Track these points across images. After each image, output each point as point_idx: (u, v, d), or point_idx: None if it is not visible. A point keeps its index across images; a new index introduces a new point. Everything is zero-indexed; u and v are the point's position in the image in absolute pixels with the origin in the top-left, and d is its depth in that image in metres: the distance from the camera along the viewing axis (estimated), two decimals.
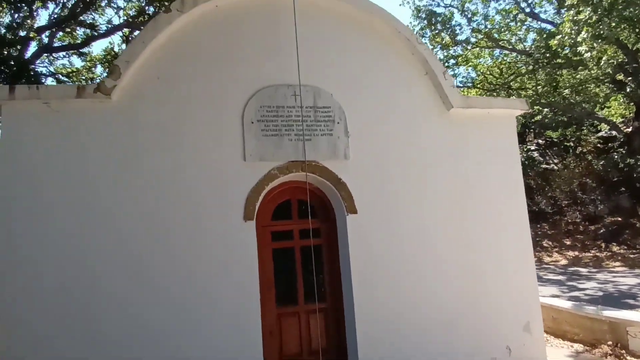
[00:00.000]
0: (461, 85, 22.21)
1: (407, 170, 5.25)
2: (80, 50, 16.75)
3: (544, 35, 16.86)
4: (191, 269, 4.45)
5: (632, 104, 18.98)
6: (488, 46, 21.09)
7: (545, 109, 18.88)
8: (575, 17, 13.38)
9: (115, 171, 4.42)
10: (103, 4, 15.46)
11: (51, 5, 14.09)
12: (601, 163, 18.65)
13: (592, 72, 16.06)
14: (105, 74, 17.43)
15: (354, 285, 4.85)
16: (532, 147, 23.92)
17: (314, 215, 5.07)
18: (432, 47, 19.64)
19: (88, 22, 15.71)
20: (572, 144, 22.64)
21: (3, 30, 12.13)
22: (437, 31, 19.59)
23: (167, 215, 4.48)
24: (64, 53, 16.64)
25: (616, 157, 18.15)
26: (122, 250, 4.33)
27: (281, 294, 4.98)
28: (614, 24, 13.05)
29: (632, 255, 15.06)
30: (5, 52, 11.70)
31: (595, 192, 19.04)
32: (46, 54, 15.72)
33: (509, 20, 20.13)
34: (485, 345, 5.22)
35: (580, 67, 16.20)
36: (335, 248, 5.11)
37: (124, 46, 16.87)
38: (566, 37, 14.02)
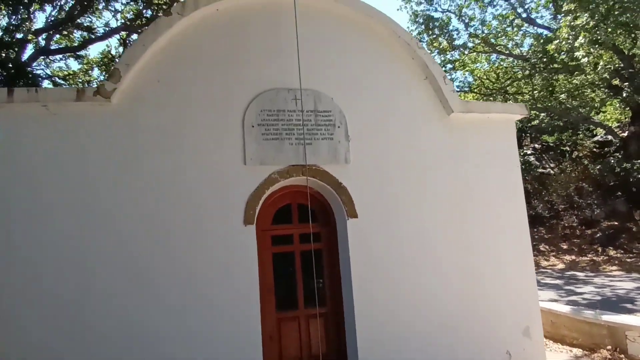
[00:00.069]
0: (458, 89, 22.26)
1: (408, 175, 5.25)
2: (77, 53, 16.71)
3: (541, 41, 16.95)
4: (191, 273, 4.43)
5: (628, 108, 19.09)
6: (485, 51, 21.18)
7: (542, 114, 18.97)
8: (572, 23, 13.46)
9: (114, 174, 4.40)
10: (100, 6, 15.42)
11: (48, 8, 14.05)
12: (597, 167, 18.73)
13: (589, 77, 16.15)
14: (102, 77, 17.44)
15: (354, 290, 4.84)
16: (529, 152, 24.00)
17: (314, 219, 5.06)
18: (429, 51, 19.69)
19: (85, 24, 15.67)
20: (568, 149, 22.74)
21: (0, 33, 12.08)
22: (434, 36, 19.66)
23: (167, 220, 4.46)
24: (60, 56, 16.59)
25: (612, 161, 18.22)
26: (121, 253, 4.31)
27: (281, 299, 4.96)
28: (610, 30, 13.14)
29: (628, 260, 15.11)
30: (3, 55, 11.65)
31: (592, 196, 19.11)
32: (43, 57, 15.66)
33: (505, 26, 20.22)
34: (485, 350, 5.22)
35: (576, 72, 16.29)
36: (336, 252, 5.09)
37: (121, 49, 16.84)
38: (563, 42, 14.10)
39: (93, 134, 4.41)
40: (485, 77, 23.03)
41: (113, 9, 15.52)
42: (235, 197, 4.65)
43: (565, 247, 17.85)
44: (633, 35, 14.77)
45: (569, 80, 17.74)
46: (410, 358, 4.89)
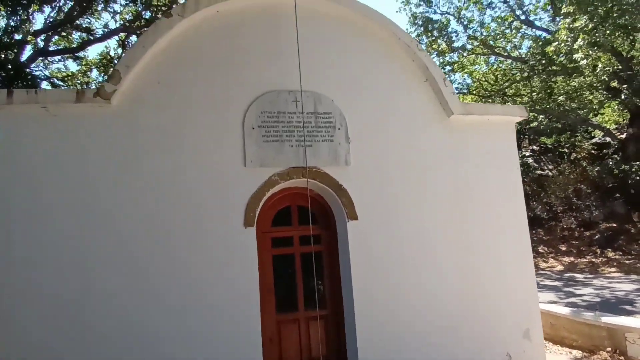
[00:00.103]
0: (457, 91, 22.26)
1: (408, 177, 5.25)
2: (76, 54, 16.71)
3: (540, 43, 16.99)
4: (191, 274, 4.42)
5: (626, 110, 19.15)
6: (484, 53, 21.22)
7: (541, 116, 19.01)
8: (571, 25, 13.50)
9: (114, 175, 4.38)
10: (99, 8, 15.41)
11: (47, 9, 14.03)
12: (596, 169, 18.76)
13: (588, 79, 16.19)
14: (100, 78, 17.42)
15: (354, 292, 4.83)
16: (527, 154, 24.05)
17: (314, 221, 5.05)
18: (428, 53, 19.71)
19: (84, 26, 15.66)
20: (566, 150, 22.79)
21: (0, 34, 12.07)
22: (433, 38, 19.68)
23: (167, 221, 4.44)
24: (59, 57, 16.58)
25: (611, 163, 18.27)
26: (121, 253, 4.30)
27: (281, 301, 4.95)
28: (608, 32, 13.19)
29: (627, 261, 15.13)
30: (2, 56, 11.63)
31: (590, 198, 19.14)
32: (41, 58, 15.65)
33: (504, 28, 20.27)
34: (485, 351, 5.21)
35: (575, 75, 16.33)
36: (336, 254, 5.09)
37: (120, 50, 16.84)
38: (562, 45, 14.14)
39: (93, 135, 4.40)
40: (484, 79, 23.09)
41: (112, 10, 15.53)
42: (235, 198, 4.64)
43: (563, 248, 17.88)
44: (631, 37, 14.82)
45: (568, 82, 17.78)
46: (410, 359, 4.88)
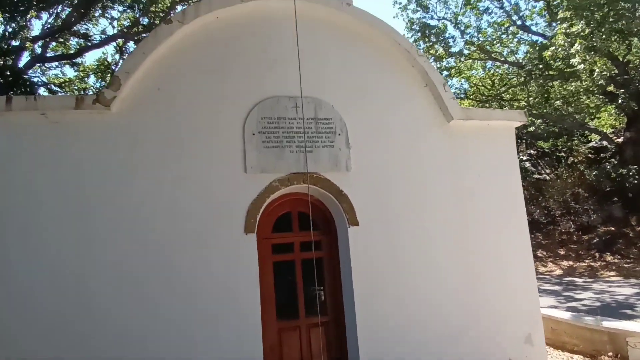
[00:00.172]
0: (454, 96, 22.39)
1: (408, 181, 5.24)
2: (73, 61, 16.71)
3: (537, 48, 17.09)
4: (191, 285, 4.36)
5: (622, 114, 19.24)
6: (481, 58, 21.33)
7: (538, 120, 19.08)
8: (568, 30, 13.58)
9: (113, 184, 4.33)
10: (97, 14, 15.44)
11: (45, 15, 14.04)
12: (594, 173, 18.82)
13: (584, 83, 16.29)
14: (98, 84, 17.41)
15: (355, 298, 4.80)
16: (524, 158, 24.13)
17: (315, 227, 5.02)
18: (428, 58, 19.80)
19: (82, 32, 15.68)
20: (564, 155, 22.87)
21: None
22: (430, 43, 19.78)
23: (167, 229, 4.40)
24: (56, 63, 16.57)
25: (608, 167, 18.33)
26: (119, 265, 4.23)
27: (282, 308, 4.91)
28: (604, 36, 13.27)
29: (626, 265, 15.14)
30: (1, 62, 11.62)
31: (588, 202, 19.18)
32: (39, 64, 15.63)
33: (500, 33, 20.40)
34: (487, 357, 5.19)
35: (571, 79, 16.42)
36: (337, 261, 5.06)
37: (117, 56, 16.87)
38: (559, 49, 14.23)
39: (92, 142, 4.36)
40: (481, 84, 23.20)
41: (109, 16, 15.57)
42: (235, 205, 4.61)
43: (562, 252, 17.89)
44: (627, 41, 14.92)
45: (564, 87, 17.88)
46: None
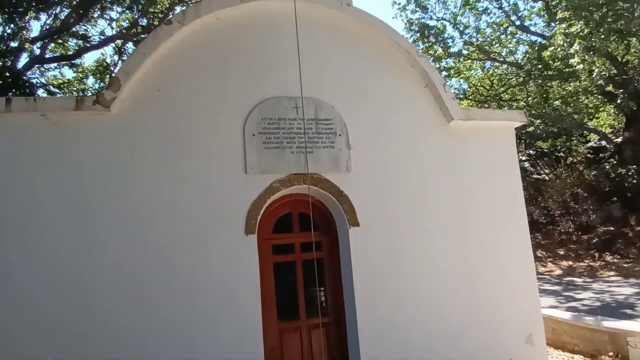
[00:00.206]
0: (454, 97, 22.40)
1: (409, 182, 5.23)
2: (72, 62, 16.69)
3: (536, 48, 17.12)
4: (191, 286, 4.35)
5: (621, 114, 19.27)
6: (479, 58, 21.37)
7: (537, 120, 19.11)
8: (567, 30, 13.60)
9: (113, 185, 4.31)
10: (96, 15, 15.44)
11: (43, 17, 14.02)
12: (593, 173, 18.85)
13: (583, 83, 16.31)
14: (96, 85, 17.40)
15: (356, 299, 4.79)
16: (523, 158, 24.14)
17: (315, 228, 5.01)
18: (428, 59, 19.83)
19: (80, 33, 15.66)
20: (562, 155, 22.90)
21: None
22: (429, 44, 19.80)
23: (167, 230, 4.38)
24: (55, 64, 16.55)
25: (607, 167, 18.36)
26: (119, 266, 4.22)
27: (282, 309, 4.90)
28: (603, 37, 13.29)
29: (625, 265, 15.16)
30: (0, 63, 11.60)
31: (587, 202, 19.20)
32: (37, 65, 15.61)
33: (499, 33, 20.44)
34: (488, 358, 5.18)
35: (571, 79, 16.44)
36: (337, 261, 5.05)
37: (116, 57, 16.86)
38: (558, 49, 14.25)
39: (92, 143, 4.34)
40: (479, 85, 23.22)
41: (108, 17, 15.57)
42: (236, 206, 4.60)
43: (562, 252, 17.90)
44: (626, 41, 14.94)
45: (563, 87, 17.91)
46: None
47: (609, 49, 14.87)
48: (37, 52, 15.03)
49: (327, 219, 5.18)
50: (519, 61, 19.60)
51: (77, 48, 16.22)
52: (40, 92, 14.93)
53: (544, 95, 18.88)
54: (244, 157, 4.67)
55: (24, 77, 12.81)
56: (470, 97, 22.72)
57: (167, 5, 15.07)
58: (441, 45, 19.86)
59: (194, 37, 4.75)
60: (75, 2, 13.89)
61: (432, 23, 20.66)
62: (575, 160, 21.93)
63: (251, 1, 4.86)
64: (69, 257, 4.13)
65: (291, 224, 5.13)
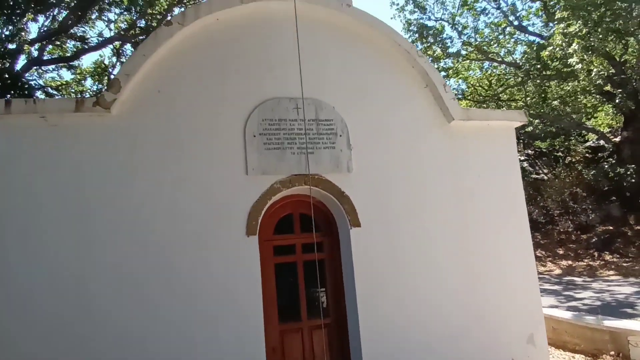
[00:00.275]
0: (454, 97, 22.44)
1: (410, 182, 5.23)
2: (70, 63, 16.65)
3: (535, 48, 17.15)
4: (192, 288, 4.34)
5: (620, 114, 19.31)
6: (478, 59, 21.40)
7: (536, 120, 19.14)
8: (565, 30, 13.63)
9: (113, 186, 4.30)
10: (94, 17, 15.40)
11: (41, 18, 13.99)
12: (591, 173, 18.88)
13: (582, 83, 16.34)
14: (95, 87, 17.37)
15: (358, 300, 4.78)
16: (522, 158, 24.17)
17: (316, 228, 5.00)
18: (428, 59, 19.86)
19: (78, 34, 15.63)
20: (561, 154, 22.94)
21: None
22: (428, 44, 19.82)
23: (167, 230, 4.37)
24: (53, 66, 16.51)
25: (606, 166, 18.39)
26: (119, 267, 4.20)
27: (284, 310, 4.89)
28: (601, 36, 13.33)
29: (625, 264, 15.18)
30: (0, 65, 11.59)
31: (586, 201, 19.22)
32: (36, 67, 15.57)
33: (498, 34, 20.48)
34: (490, 358, 5.17)
35: (569, 79, 16.47)
36: (339, 262, 5.05)
37: (114, 59, 16.83)
38: (557, 49, 14.28)
39: (92, 144, 4.33)
40: (478, 85, 23.25)
41: (106, 19, 15.54)
42: (237, 208, 4.58)
43: (561, 252, 17.92)
44: (624, 41, 14.98)
45: (562, 86, 17.95)
46: None
47: (607, 49, 14.91)
48: (35, 53, 14.99)
49: (328, 219, 5.18)
50: (518, 61, 19.63)
51: (75, 50, 16.18)
52: (39, 94, 14.89)
53: (543, 95, 18.91)
54: (245, 158, 4.67)
55: (23, 79, 12.78)
56: (469, 98, 22.75)
57: (166, 7, 15.06)
58: (440, 45, 19.89)
59: (194, 38, 4.74)
60: (73, 4, 13.87)
61: (430, 23, 20.72)
62: (574, 160, 21.97)
63: (251, 2, 4.85)
64: (69, 258, 4.12)
65: (292, 225, 5.12)
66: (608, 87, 17.24)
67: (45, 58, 15.75)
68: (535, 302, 5.57)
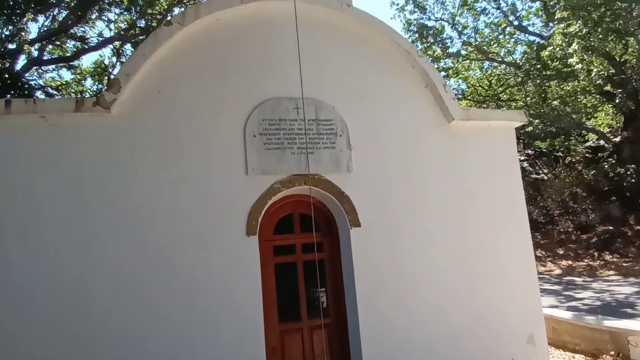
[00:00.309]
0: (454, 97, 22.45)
1: (410, 182, 5.23)
2: (70, 63, 16.64)
3: (535, 48, 17.15)
4: (192, 288, 4.33)
5: (620, 114, 19.31)
6: (478, 59, 21.40)
7: (536, 120, 19.14)
8: (565, 30, 13.63)
9: (113, 186, 4.30)
10: (94, 17, 15.40)
11: (41, 18, 13.99)
12: (591, 173, 18.88)
13: (582, 83, 16.34)
14: (95, 87, 17.36)
15: (358, 300, 4.78)
16: (522, 158, 24.17)
17: (316, 228, 5.00)
18: (428, 59, 19.86)
19: (78, 35, 15.62)
20: (561, 154, 22.94)
21: None
22: (428, 44, 19.83)
23: (167, 230, 4.37)
24: (53, 66, 16.51)
25: (606, 166, 18.39)
26: (119, 267, 4.20)
27: (284, 310, 4.89)
28: (601, 36, 13.33)
29: (625, 264, 15.18)
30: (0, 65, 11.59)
31: (586, 201, 19.22)
32: (36, 67, 15.57)
33: (498, 34, 20.48)
34: (490, 358, 5.17)
35: (569, 79, 16.47)
36: (339, 262, 5.05)
37: (114, 59, 16.83)
38: (557, 49, 14.28)
39: (92, 144, 4.33)
40: (478, 85, 23.25)
41: (106, 19, 15.54)
42: (237, 208, 4.58)
43: (561, 252, 17.92)
44: (624, 41, 14.98)
45: (562, 86, 17.95)
46: None
47: (607, 49, 14.91)
48: (35, 53, 14.99)
49: (328, 219, 5.18)
50: (518, 61, 19.63)
51: (75, 50, 16.18)
52: (39, 94, 14.89)
53: (543, 95, 18.92)
54: (245, 158, 4.67)
55: (23, 79, 12.78)
56: (469, 98, 22.76)
57: (166, 7, 15.05)
58: (440, 45, 19.89)
59: (194, 38, 4.74)
60: (73, 4, 13.86)
61: (430, 23, 20.73)
62: (573, 160, 21.97)
63: (251, 2, 4.86)
64: (69, 258, 4.11)
65: (292, 225, 5.12)
66: (608, 87, 17.24)
67: (45, 58, 15.75)
68: (535, 302, 5.57)
